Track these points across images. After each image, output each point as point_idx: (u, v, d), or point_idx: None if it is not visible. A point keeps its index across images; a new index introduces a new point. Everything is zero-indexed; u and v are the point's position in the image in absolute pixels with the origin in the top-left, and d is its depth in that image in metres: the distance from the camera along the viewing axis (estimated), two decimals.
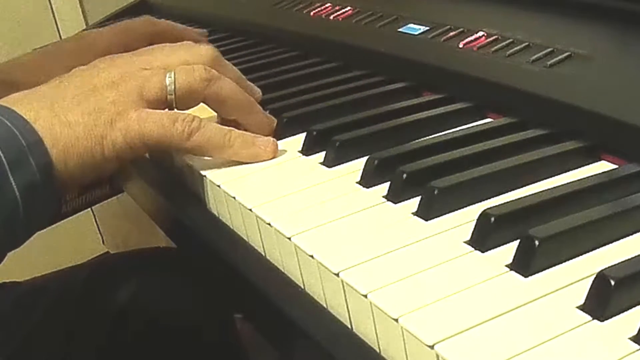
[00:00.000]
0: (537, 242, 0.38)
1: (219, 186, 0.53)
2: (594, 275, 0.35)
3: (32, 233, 0.50)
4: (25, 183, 0.47)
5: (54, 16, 1.74)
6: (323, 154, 0.55)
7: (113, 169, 0.55)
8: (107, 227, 1.89)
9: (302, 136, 0.58)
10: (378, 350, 0.38)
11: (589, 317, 0.34)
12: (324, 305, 0.43)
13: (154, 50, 0.58)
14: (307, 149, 0.56)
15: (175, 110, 0.55)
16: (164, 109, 0.55)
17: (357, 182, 0.50)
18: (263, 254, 0.49)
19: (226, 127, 0.55)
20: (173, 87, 0.54)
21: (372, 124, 0.56)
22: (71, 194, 0.90)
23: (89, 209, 1.02)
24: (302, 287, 0.45)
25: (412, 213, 0.45)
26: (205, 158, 0.57)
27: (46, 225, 0.52)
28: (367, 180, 0.50)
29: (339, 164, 0.53)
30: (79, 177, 0.52)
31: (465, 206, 0.45)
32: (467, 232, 0.42)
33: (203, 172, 0.55)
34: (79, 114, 0.51)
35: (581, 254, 0.39)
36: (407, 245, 0.42)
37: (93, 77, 0.54)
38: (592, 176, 0.46)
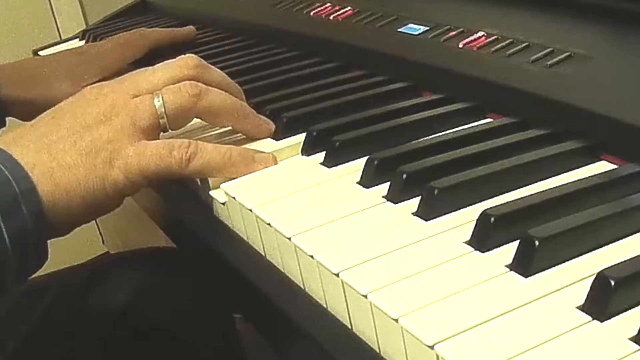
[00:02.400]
0: (537, 242, 0.38)
1: (218, 186, 0.53)
2: (594, 275, 0.35)
3: (21, 281, 0.50)
4: (16, 231, 0.47)
5: (54, 16, 1.74)
6: (323, 154, 0.55)
7: (116, 206, 0.54)
8: (107, 227, 1.90)
9: (302, 136, 0.58)
10: (378, 351, 0.38)
11: (589, 317, 0.34)
12: (324, 305, 0.43)
13: (138, 74, 0.58)
14: (307, 149, 0.56)
15: (170, 131, 0.55)
16: (158, 134, 0.54)
17: (357, 182, 0.50)
18: (263, 254, 0.49)
19: (224, 146, 0.55)
20: (163, 109, 0.54)
21: (372, 124, 0.56)
22: None
23: None
24: (302, 287, 0.45)
25: (412, 213, 0.45)
26: None
27: (37, 270, 0.51)
28: (367, 180, 0.50)
29: (339, 164, 0.53)
30: (82, 217, 0.52)
31: (465, 206, 0.45)
32: (467, 232, 0.42)
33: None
34: (76, 155, 0.51)
35: (581, 254, 0.39)
36: (407, 245, 0.42)
37: (85, 113, 0.53)
38: (592, 176, 0.46)
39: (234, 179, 0.54)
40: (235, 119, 0.58)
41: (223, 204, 0.53)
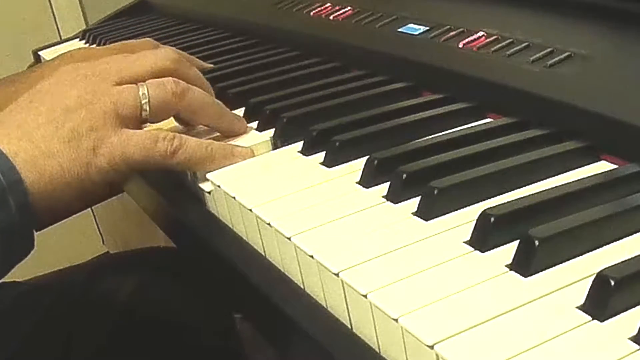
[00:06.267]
0: (537, 242, 0.38)
1: (219, 186, 0.53)
2: (594, 275, 0.35)
3: (8, 271, 0.50)
4: (3, 222, 0.47)
5: (54, 16, 1.74)
6: (323, 154, 0.55)
7: (102, 194, 0.54)
8: (107, 227, 1.90)
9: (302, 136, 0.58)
10: (378, 350, 0.38)
11: (589, 317, 0.34)
12: (324, 305, 0.43)
13: (119, 59, 0.57)
14: (307, 149, 0.56)
15: (148, 123, 0.56)
16: (139, 125, 0.55)
17: (357, 182, 0.50)
18: (263, 254, 0.49)
19: (206, 141, 0.56)
20: (147, 102, 0.54)
21: (372, 124, 0.56)
22: None
23: (89, 209, 1.02)
24: (302, 287, 0.45)
25: (412, 213, 0.45)
26: None
27: (21, 260, 0.51)
28: (367, 180, 0.50)
29: (339, 164, 0.53)
30: (68, 206, 0.52)
31: (465, 206, 0.45)
32: (467, 232, 0.42)
33: (203, 173, 0.55)
34: (59, 143, 0.51)
35: (581, 254, 0.39)
36: (407, 245, 0.42)
37: (63, 96, 0.53)
38: (592, 176, 0.46)
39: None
40: (213, 117, 0.59)
41: (223, 204, 0.53)
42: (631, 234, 0.40)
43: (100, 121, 0.52)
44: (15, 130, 0.51)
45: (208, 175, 0.55)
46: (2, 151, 0.49)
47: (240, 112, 0.65)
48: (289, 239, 0.44)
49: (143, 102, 0.54)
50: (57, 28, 1.73)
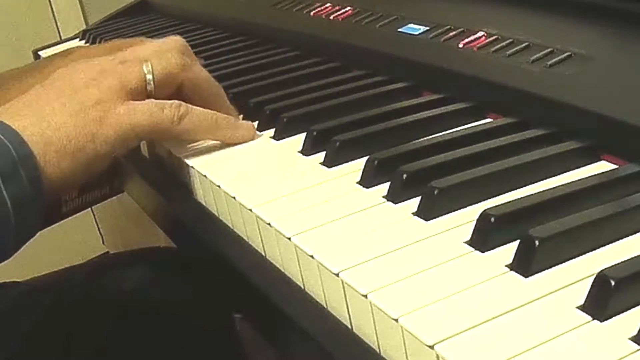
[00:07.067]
0: (537, 242, 0.38)
1: (219, 186, 0.53)
2: (594, 275, 0.35)
3: (21, 245, 0.51)
4: (16, 195, 0.48)
5: (54, 16, 1.74)
6: (323, 154, 0.55)
7: (105, 166, 0.55)
8: (107, 227, 1.90)
9: (302, 136, 0.58)
10: (378, 350, 0.38)
11: (589, 317, 0.34)
12: (324, 305, 0.43)
13: (126, 46, 0.60)
14: (307, 149, 0.56)
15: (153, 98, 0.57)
16: (144, 99, 0.56)
17: (357, 182, 0.50)
18: (263, 254, 0.49)
19: (210, 111, 0.57)
20: (151, 76, 0.56)
21: (372, 124, 0.56)
22: (71, 194, 0.90)
23: (89, 209, 1.02)
24: (302, 287, 0.45)
25: (412, 213, 0.45)
26: (206, 158, 0.57)
27: (32, 236, 0.52)
28: (367, 180, 0.50)
29: (339, 164, 0.53)
30: (73, 177, 0.53)
31: (465, 206, 0.45)
32: (467, 232, 0.42)
33: (203, 172, 0.55)
34: (66, 115, 0.52)
35: (581, 254, 0.39)
36: (407, 245, 0.42)
37: (73, 78, 0.55)
38: (592, 176, 0.46)
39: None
40: (213, 99, 0.60)
41: (223, 204, 0.53)
42: (631, 234, 0.40)
43: (107, 95, 0.54)
44: (25, 108, 0.52)
45: (208, 175, 0.55)
46: (12, 127, 0.50)
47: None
48: (289, 239, 0.44)
49: (147, 75, 0.56)
50: (57, 28, 1.73)
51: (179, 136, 0.57)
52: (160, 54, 0.57)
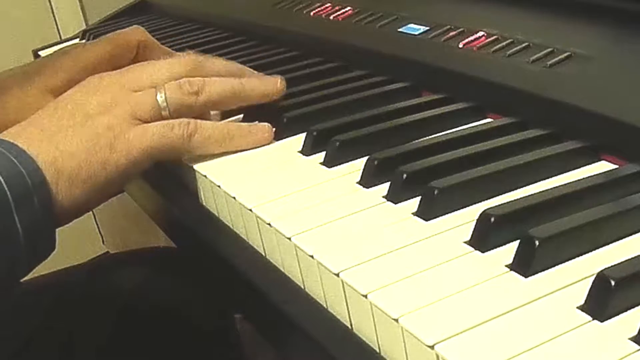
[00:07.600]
0: (537, 242, 0.38)
1: (219, 186, 0.53)
2: (594, 275, 0.35)
3: (30, 270, 0.51)
4: (28, 221, 0.48)
5: (54, 16, 1.74)
6: (323, 154, 0.55)
7: (118, 191, 0.56)
8: (107, 227, 1.89)
9: (302, 136, 0.58)
10: (378, 350, 0.38)
11: (589, 317, 0.34)
12: (324, 305, 0.43)
13: (138, 68, 0.59)
14: (307, 149, 0.56)
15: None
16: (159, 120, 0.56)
17: (357, 182, 0.50)
18: (263, 254, 0.49)
19: (221, 122, 0.58)
20: (166, 104, 0.56)
21: (372, 124, 0.56)
22: None
23: None
24: (302, 287, 0.45)
25: (412, 213, 0.45)
26: (206, 158, 0.57)
27: (44, 260, 0.52)
28: (367, 180, 0.50)
29: (339, 164, 0.53)
30: (85, 204, 0.53)
31: (465, 206, 0.45)
32: (467, 232, 0.42)
33: (203, 172, 0.55)
34: (78, 142, 0.52)
35: (581, 254, 0.39)
36: (407, 245, 0.42)
37: (85, 103, 0.55)
38: (592, 176, 0.46)
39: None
40: (238, 97, 0.60)
41: (223, 203, 0.53)
42: (631, 234, 0.40)
43: (118, 122, 0.54)
44: (38, 133, 0.53)
45: (208, 175, 0.55)
46: (27, 153, 0.50)
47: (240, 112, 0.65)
48: (289, 239, 0.45)
49: (162, 104, 0.56)
50: (57, 28, 1.73)
51: (192, 152, 0.57)
52: (174, 83, 0.57)
